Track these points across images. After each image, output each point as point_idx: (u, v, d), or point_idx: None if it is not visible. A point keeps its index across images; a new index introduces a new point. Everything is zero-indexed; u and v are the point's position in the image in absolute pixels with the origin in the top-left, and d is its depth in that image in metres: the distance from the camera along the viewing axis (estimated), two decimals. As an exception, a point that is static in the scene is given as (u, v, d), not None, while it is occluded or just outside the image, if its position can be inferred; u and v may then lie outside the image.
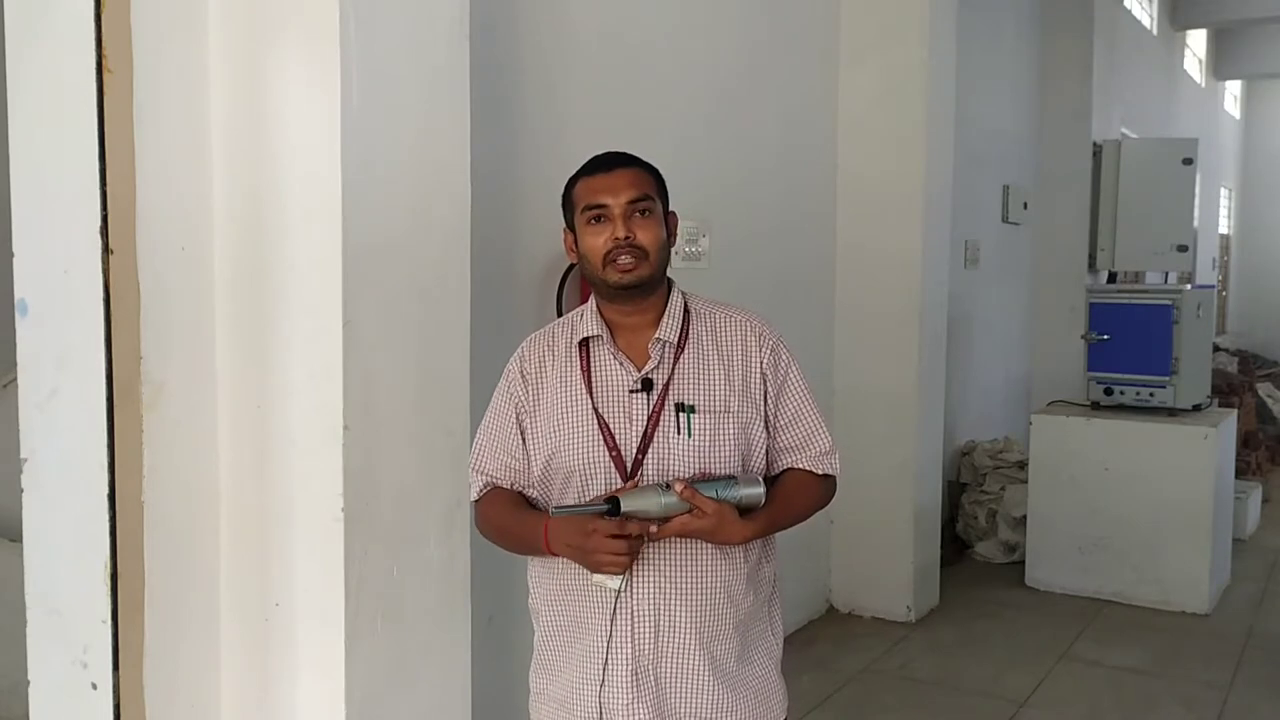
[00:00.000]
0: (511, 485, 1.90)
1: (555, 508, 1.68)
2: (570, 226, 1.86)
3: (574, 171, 1.87)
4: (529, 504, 1.88)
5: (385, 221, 2.16)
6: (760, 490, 1.75)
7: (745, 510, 1.75)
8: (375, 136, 2.12)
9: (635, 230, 1.78)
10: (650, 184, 1.83)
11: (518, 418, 1.89)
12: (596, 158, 1.85)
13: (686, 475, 1.77)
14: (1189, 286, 5.63)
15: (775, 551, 1.95)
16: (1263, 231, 16.12)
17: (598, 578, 1.78)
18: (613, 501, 1.67)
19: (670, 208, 1.89)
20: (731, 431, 1.81)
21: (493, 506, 1.91)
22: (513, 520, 1.87)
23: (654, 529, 1.70)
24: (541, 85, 3.19)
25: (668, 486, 1.68)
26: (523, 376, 1.90)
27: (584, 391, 1.83)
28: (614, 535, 1.68)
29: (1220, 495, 5.25)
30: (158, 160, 2.02)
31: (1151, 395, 5.27)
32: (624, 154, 1.86)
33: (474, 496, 1.94)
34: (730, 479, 1.74)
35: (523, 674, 2.00)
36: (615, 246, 1.77)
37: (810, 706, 3.95)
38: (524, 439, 1.89)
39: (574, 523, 1.72)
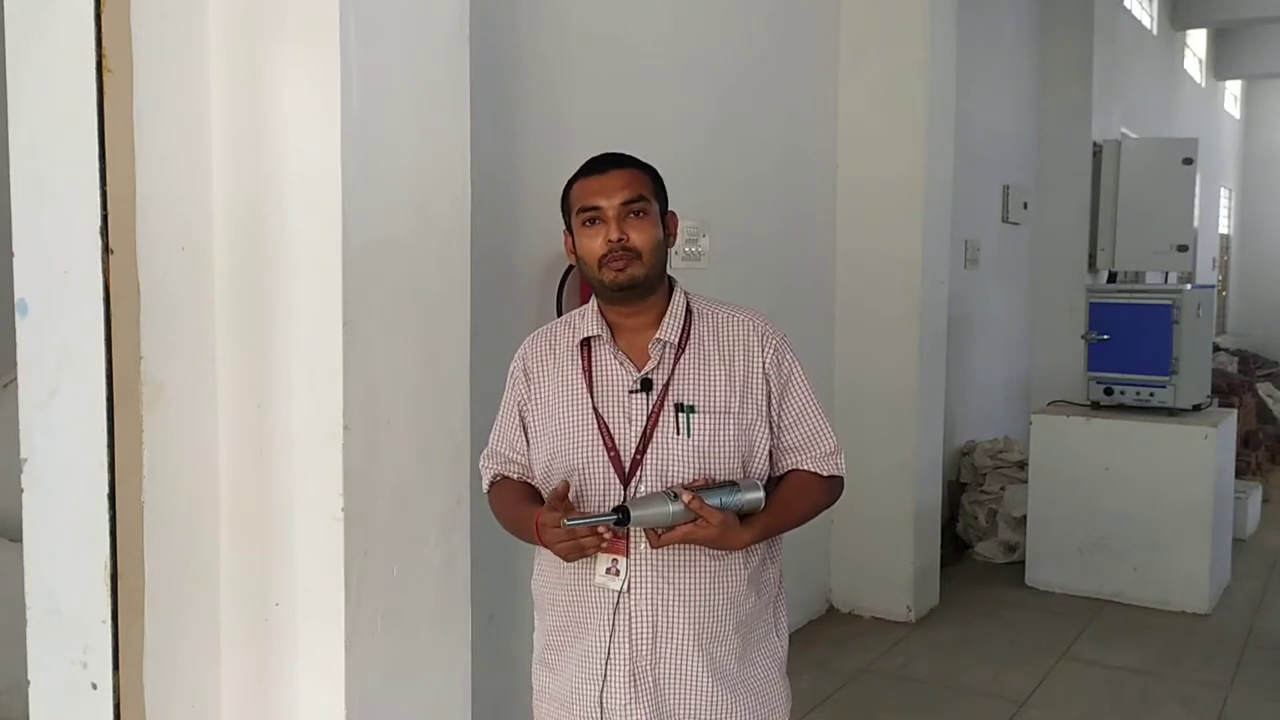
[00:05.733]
0: (519, 478, 1.94)
1: (568, 518, 1.68)
2: (569, 229, 1.86)
3: (573, 173, 1.87)
4: (535, 492, 1.90)
5: (385, 221, 2.15)
6: (760, 495, 1.75)
7: (745, 515, 1.75)
8: (375, 136, 2.12)
9: (629, 231, 1.78)
10: (645, 184, 1.83)
11: (520, 416, 1.91)
12: (592, 160, 1.85)
13: (686, 476, 1.77)
14: (1189, 286, 5.63)
15: (780, 553, 1.95)
16: (1263, 231, 16.13)
17: (600, 579, 1.79)
18: (622, 511, 1.67)
19: (670, 208, 1.89)
20: (732, 432, 1.81)
21: (499, 497, 1.95)
22: (513, 512, 1.89)
23: (608, 536, 1.71)
24: (541, 85, 3.19)
25: (675, 495, 1.68)
26: (525, 375, 1.91)
27: (584, 391, 1.83)
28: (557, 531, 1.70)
29: (1220, 495, 5.25)
30: (158, 160, 2.02)
31: (1151, 395, 5.27)
32: (619, 155, 1.86)
33: (484, 488, 1.99)
34: (732, 485, 1.74)
35: (523, 673, 2.00)
36: (609, 249, 1.77)
37: (810, 706, 3.96)
38: (527, 436, 1.91)
39: (549, 520, 1.73)
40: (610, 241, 1.77)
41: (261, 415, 2.14)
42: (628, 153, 1.88)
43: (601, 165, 1.83)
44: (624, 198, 1.78)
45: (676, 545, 1.75)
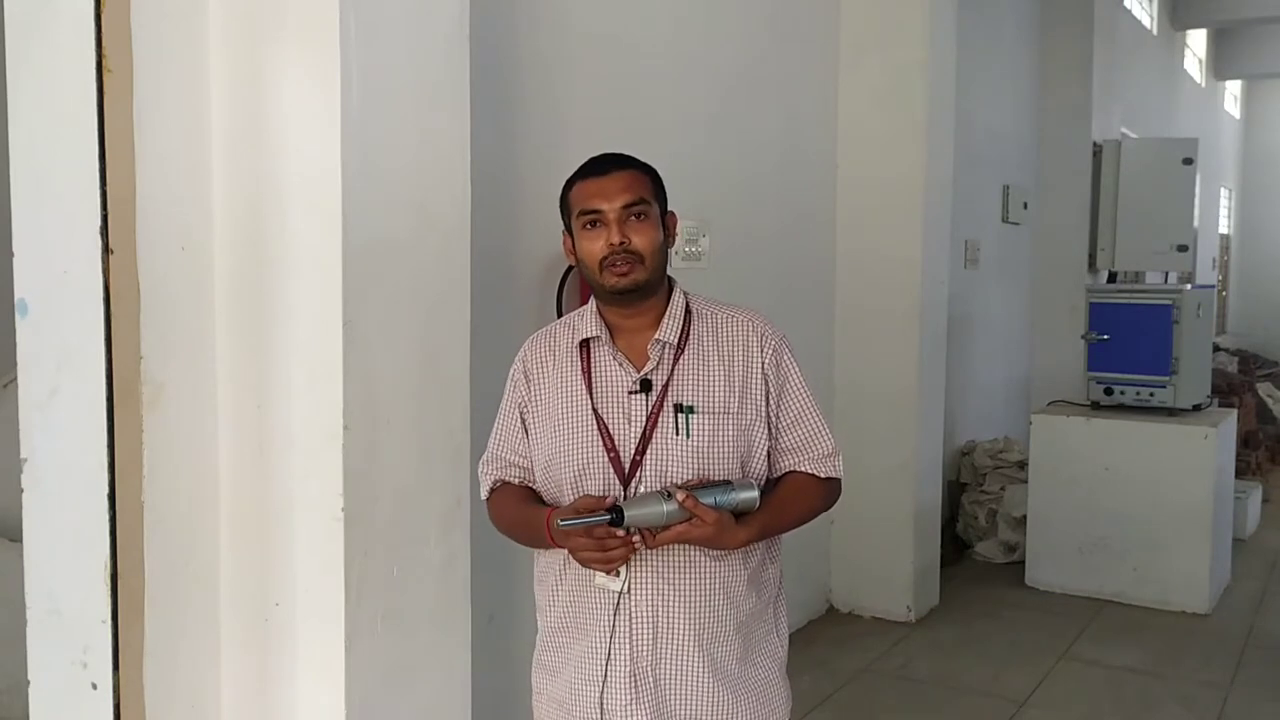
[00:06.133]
0: (520, 482, 1.92)
1: (561, 520, 1.68)
2: (568, 230, 1.85)
3: (572, 173, 1.86)
4: (536, 497, 1.90)
5: (386, 221, 2.15)
6: (754, 495, 1.74)
7: (740, 515, 1.75)
8: (375, 136, 2.12)
9: (630, 234, 1.77)
10: (646, 185, 1.82)
11: (522, 418, 1.91)
12: (592, 160, 1.84)
13: (685, 477, 1.76)
14: (1189, 286, 5.63)
15: (780, 553, 1.95)
16: (1263, 231, 16.13)
17: (600, 580, 1.79)
18: (616, 511, 1.66)
19: (670, 208, 1.88)
20: (730, 433, 1.81)
21: (501, 501, 1.93)
22: (519, 514, 1.88)
23: (637, 539, 1.71)
24: (541, 84, 3.19)
25: (669, 495, 1.67)
26: (526, 377, 1.91)
27: (584, 392, 1.83)
28: (583, 540, 1.69)
29: (1220, 495, 5.25)
30: (158, 160, 2.02)
31: (1151, 395, 5.27)
32: (619, 156, 1.84)
33: (484, 494, 1.97)
34: (726, 484, 1.74)
35: (523, 673, 2.00)
36: (611, 252, 1.76)
37: (810, 706, 3.96)
38: (528, 438, 1.90)
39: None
40: (612, 245, 1.76)
41: (261, 415, 2.14)
42: (627, 152, 1.87)
43: (602, 166, 1.81)
44: (625, 200, 1.77)
45: (675, 546, 1.75)
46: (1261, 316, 14.96)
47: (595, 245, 1.78)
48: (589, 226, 1.79)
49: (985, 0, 6.37)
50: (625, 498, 1.77)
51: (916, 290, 4.87)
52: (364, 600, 2.13)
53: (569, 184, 1.85)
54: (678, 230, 1.92)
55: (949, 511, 6.03)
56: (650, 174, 1.85)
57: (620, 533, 1.69)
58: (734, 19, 4.20)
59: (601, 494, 1.79)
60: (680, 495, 1.67)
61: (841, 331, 5.02)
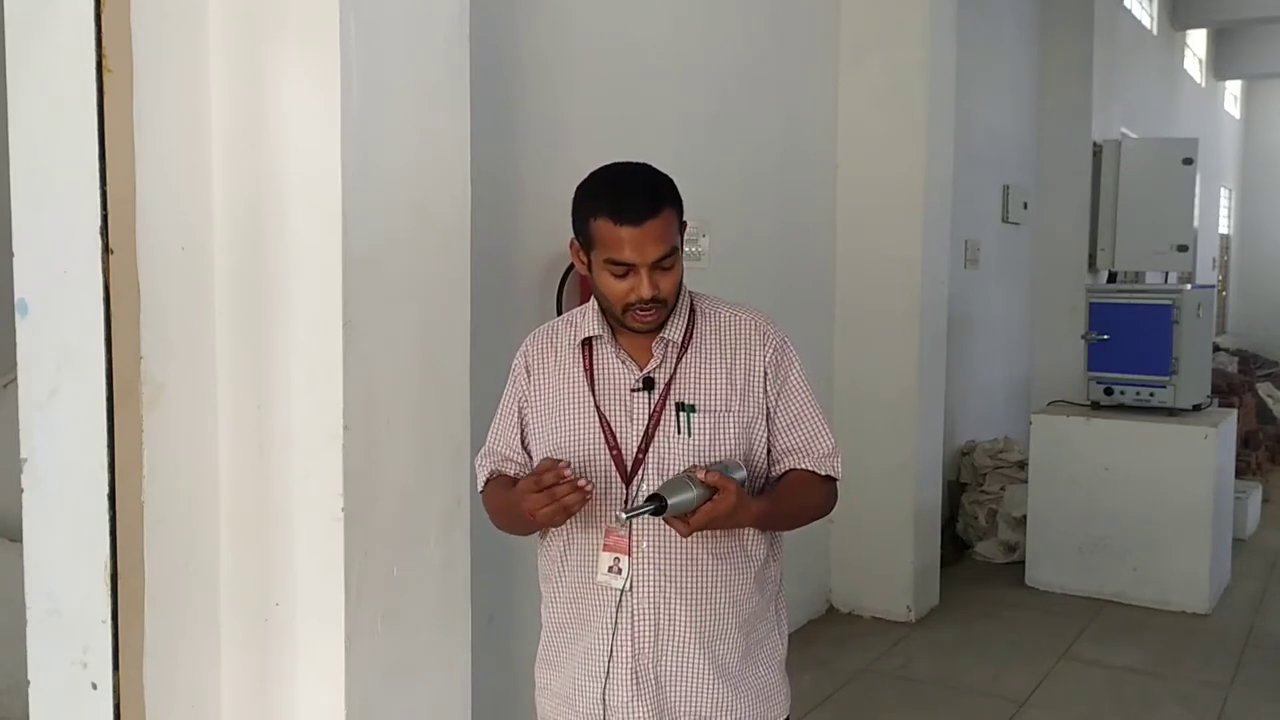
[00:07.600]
0: (515, 475, 1.92)
1: (624, 512, 1.66)
2: (582, 244, 1.79)
3: (585, 178, 1.79)
4: None
5: (385, 221, 2.15)
6: (745, 474, 1.75)
7: None
8: (375, 136, 2.12)
9: (659, 282, 1.74)
10: (674, 225, 1.75)
11: (520, 413, 1.91)
12: (623, 197, 1.72)
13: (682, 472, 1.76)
14: (1189, 286, 5.63)
15: (782, 551, 1.95)
16: (1263, 231, 16.14)
17: (602, 577, 1.79)
18: (658, 500, 1.66)
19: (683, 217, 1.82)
20: (732, 431, 1.81)
21: (493, 492, 1.93)
22: (505, 499, 1.86)
23: (588, 484, 1.68)
24: (541, 84, 3.19)
25: (690, 478, 1.68)
26: (527, 371, 1.91)
27: (586, 389, 1.83)
28: (537, 490, 1.66)
29: (1220, 495, 5.25)
30: (158, 160, 2.02)
31: (1151, 395, 5.27)
32: (648, 192, 1.74)
33: (479, 487, 1.97)
34: (720, 465, 1.74)
35: (523, 673, 2.00)
36: (639, 301, 1.74)
37: (810, 706, 3.96)
38: (525, 434, 1.90)
39: (527, 485, 1.70)
40: (642, 297, 1.73)
41: (261, 415, 2.14)
42: (631, 158, 1.81)
43: (635, 214, 1.70)
44: (658, 254, 1.72)
45: (678, 544, 1.76)
46: (1261, 316, 14.96)
47: (620, 287, 1.74)
48: (616, 271, 1.74)
49: (985, 0, 6.38)
50: (628, 496, 1.77)
51: (916, 290, 4.87)
52: (364, 600, 2.13)
53: (593, 209, 1.74)
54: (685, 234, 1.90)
55: (949, 511, 6.03)
56: (675, 204, 1.77)
57: (568, 474, 1.66)
58: (734, 19, 4.20)
59: (603, 491, 1.77)
60: (701, 473, 1.67)
61: (841, 331, 5.02)
